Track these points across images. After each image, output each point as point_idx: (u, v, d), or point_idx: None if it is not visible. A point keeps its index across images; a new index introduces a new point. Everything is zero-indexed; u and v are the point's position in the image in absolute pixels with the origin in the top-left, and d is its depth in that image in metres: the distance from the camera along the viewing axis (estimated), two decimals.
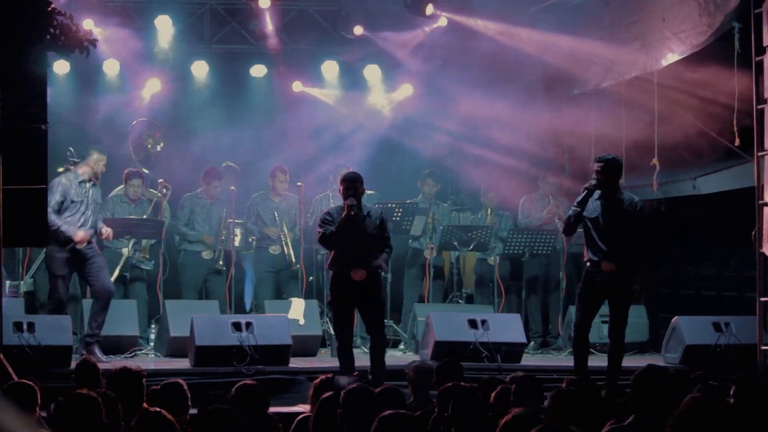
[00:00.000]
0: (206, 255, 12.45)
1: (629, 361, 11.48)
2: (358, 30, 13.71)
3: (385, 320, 12.30)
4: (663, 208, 12.57)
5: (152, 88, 14.09)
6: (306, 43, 14.01)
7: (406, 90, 14.21)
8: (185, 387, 6.49)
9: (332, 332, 11.87)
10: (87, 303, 11.36)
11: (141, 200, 12.32)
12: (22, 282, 12.02)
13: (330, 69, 14.05)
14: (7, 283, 11.78)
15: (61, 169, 12.43)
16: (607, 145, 12.07)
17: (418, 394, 7.26)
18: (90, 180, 11.00)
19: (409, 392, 7.29)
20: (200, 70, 14.17)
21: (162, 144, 13.57)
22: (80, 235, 10.76)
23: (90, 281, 10.99)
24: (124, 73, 14.05)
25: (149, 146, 13.56)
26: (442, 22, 13.47)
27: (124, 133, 13.63)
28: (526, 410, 4.79)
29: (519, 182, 13.07)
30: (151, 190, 12.65)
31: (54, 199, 10.66)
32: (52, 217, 10.55)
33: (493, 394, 6.34)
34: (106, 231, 11.13)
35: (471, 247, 12.57)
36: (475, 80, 13.63)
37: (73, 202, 10.87)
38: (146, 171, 12.80)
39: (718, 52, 10.39)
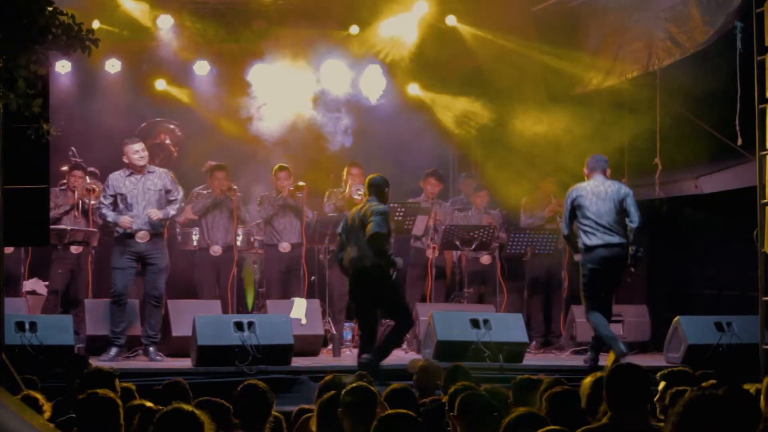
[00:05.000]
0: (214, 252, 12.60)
1: (631, 361, 11.48)
2: (355, 29, 13.73)
3: (388, 320, 12.35)
4: (665, 208, 12.57)
5: (154, 86, 14.13)
6: (307, 42, 14.00)
7: (408, 89, 14.21)
8: (186, 386, 6.50)
9: (334, 332, 11.91)
10: (89, 303, 11.38)
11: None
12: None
13: (331, 68, 14.03)
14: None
15: (64, 168, 12.49)
16: (609, 144, 12.08)
17: (425, 393, 7.26)
18: (140, 172, 11.11)
19: (417, 390, 7.29)
20: (202, 69, 14.20)
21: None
22: (123, 219, 10.95)
23: (146, 281, 11.23)
24: (126, 72, 14.08)
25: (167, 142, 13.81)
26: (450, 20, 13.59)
27: (127, 131, 13.67)
28: (528, 410, 4.79)
29: (521, 182, 13.07)
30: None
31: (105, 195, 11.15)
32: (104, 212, 11.13)
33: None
34: (149, 213, 11.09)
35: (473, 246, 12.58)
36: (477, 80, 13.65)
37: (121, 195, 11.09)
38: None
39: (720, 52, 10.39)
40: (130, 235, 10.99)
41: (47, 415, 6.09)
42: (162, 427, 4.27)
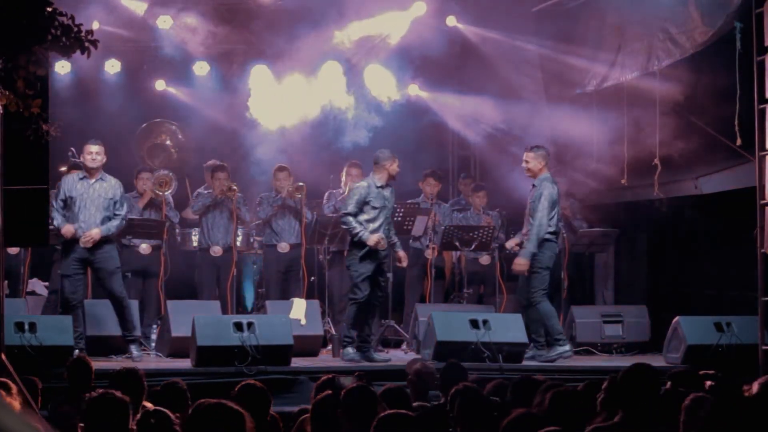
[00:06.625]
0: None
1: (630, 361, 11.48)
2: (355, 29, 13.74)
3: (387, 320, 12.36)
4: (665, 208, 12.57)
5: (154, 87, 14.14)
6: (307, 42, 13.99)
7: (409, 90, 14.21)
8: (184, 386, 6.52)
9: (333, 332, 11.91)
10: (88, 303, 11.38)
11: None
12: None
13: (330, 68, 14.02)
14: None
15: (63, 169, 12.51)
16: (609, 144, 12.08)
17: (419, 395, 7.27)
18: (92, 176, 10.98)
19: (410, 392, 7.30)
20: (202, 69, 14.21)
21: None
22: (66, 228, 10.78)
23: (102, 285, 11.06)
24: (126, 73, 14.09)
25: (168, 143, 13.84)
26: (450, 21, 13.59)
27: (127, 132, 13.72)
28: (528, 410, 4.79)
29: (523, 183, 13.06)
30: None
31: (54, 196, 10.72)
32: (53, 214, 10.67)
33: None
34: (86, 235, 10.84)
35: (472, 247, 12.58)
36: (478, 81, 13.65)
37: (70, 197, 10.91)
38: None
39: (720, 52, 10.39)
40: (75, 241, 10.81)
41: (18, 400, 6.11)
42: (204, 421, 4.27)
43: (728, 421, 3.94)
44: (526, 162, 11.27)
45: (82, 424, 4.97)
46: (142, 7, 13.41)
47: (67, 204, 10.91)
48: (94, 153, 10.96)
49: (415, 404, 6.52)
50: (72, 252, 10.84)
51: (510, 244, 11.94)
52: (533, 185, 11.29)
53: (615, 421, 4.68)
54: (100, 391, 5.19)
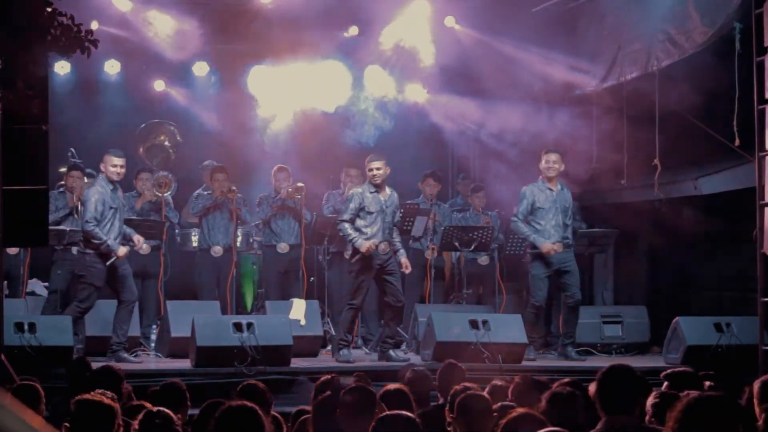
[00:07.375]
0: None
1: (630, 362, 11.50)
2: (355, 30, 13.74)
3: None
4: (664, 209, 12.57)
5: (153, 87, 14.13)
6: (307, 42, 13.99)
7: (409, 91, 14.20)
8: (183, 386, 6.52)
9: (333, 332, 11.92)
10: None
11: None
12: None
13: (331, 69, 14.01)
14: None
15: (63, 169, 12.51)
16: (608, 145, 12.08)
17: (419, 401, 7.26)
18: (114, 185, 11.02)
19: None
20: (201, 70, 14.20)
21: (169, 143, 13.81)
22: (123, 251, 10.85)
23: (117, 288, 10.99)
24: (125, 74, 14.08)
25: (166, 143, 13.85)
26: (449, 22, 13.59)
27: (126, 132, 13.72)
28: (527, 410, 4.79)
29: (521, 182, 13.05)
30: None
31: (95, 209, 10.70)
32: (96, 231, 10.67)
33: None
34: (138, 239, 11.20)
35: (472, 247, 12.59)
36: (477, 82, 13.64)
37: (111, 208, 10.89)
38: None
39: (719, 53, 10.38)
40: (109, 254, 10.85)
41: (42, 404, 6.12)
42: (225, 423, 4.26)
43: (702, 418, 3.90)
44: (555, 162, 11.57)
45: (66, 425, 4.94)
46: (138, 7, 13.39)
47: (103, 215, 10.82)
48: (119, 166, 10.93)
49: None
50: (105, 263, 10.82)
51: (550, 248, 11.64)
52: (560, 187, 11.70)
53: (597, 429, 4.61)
54: (88, 394, 5.18)
